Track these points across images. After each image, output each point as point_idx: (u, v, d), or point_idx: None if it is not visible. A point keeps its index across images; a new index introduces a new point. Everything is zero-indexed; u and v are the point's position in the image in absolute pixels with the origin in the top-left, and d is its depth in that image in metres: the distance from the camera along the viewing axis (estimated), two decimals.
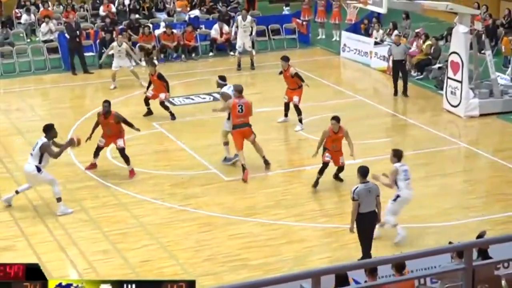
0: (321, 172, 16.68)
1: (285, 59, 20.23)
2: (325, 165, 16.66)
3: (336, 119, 16.58)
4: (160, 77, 21.03)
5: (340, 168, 16.99)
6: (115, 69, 24.44)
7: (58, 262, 14.18)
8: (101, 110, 17.52)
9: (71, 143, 16.00)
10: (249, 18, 26.54)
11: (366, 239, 13.51)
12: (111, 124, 17.36)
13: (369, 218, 13.47)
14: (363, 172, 13.54)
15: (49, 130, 15.80)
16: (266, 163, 17.91)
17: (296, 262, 14.01)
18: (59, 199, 15.98)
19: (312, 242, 14.67)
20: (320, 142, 16.75)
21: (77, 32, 26.40)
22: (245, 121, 17.63)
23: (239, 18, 26.67)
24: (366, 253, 13.46)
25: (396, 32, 26.29)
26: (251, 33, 26.75)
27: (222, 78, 19.19)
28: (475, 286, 8.63)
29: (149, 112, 21.50)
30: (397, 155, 14.52)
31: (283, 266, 13.88)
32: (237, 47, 26.48)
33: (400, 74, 23.39)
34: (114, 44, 24.72)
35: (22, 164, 16.45)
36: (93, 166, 17.96)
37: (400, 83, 23.29)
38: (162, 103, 21.28)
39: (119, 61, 24.55)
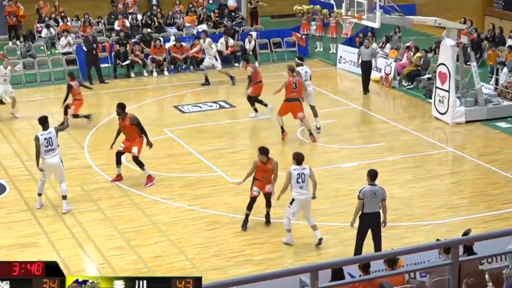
0: (249, 207, 15.01)
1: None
2: (253, 199, 15.00)
3: (263, 151, 14.75)
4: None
5: (267, 196, 14.98)
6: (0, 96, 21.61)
7: (76, 258, 14.21)
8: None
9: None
10: (208, 40, 26.03)
11: (361, 237, 13.49)
12: (127, 126, 16.94)
13: (370, 218, 13.37)
14: (372, 175, 13.41)
15: (47, 121, 15.95)
16: (311, 134, 19.80)
17: (296, 258, 14.03)
18: (65, 197, 16.03)
19: (311, 239, 14.66)
20: (249, 173, 14.99)
21: (94, 45, 26.43)
22: (297, 96, 19.53)
23: (201, 41, 26.41)
24: (357, 248, 13.46)
25: (383, 43, 26.35)
26: (216, 56, 26.07)
27: (300, 58, 21.47)
28: (461, 280, 8.66)
29: None
30: (295, 158, 14.19)
31: (284, 262, 13.91)
32: (202, 64, 26.10)
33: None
34: (1, 67, 22.22)
35: None
36: (118, 178, 17.33)
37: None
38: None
39: (2, 86, 22.01)
